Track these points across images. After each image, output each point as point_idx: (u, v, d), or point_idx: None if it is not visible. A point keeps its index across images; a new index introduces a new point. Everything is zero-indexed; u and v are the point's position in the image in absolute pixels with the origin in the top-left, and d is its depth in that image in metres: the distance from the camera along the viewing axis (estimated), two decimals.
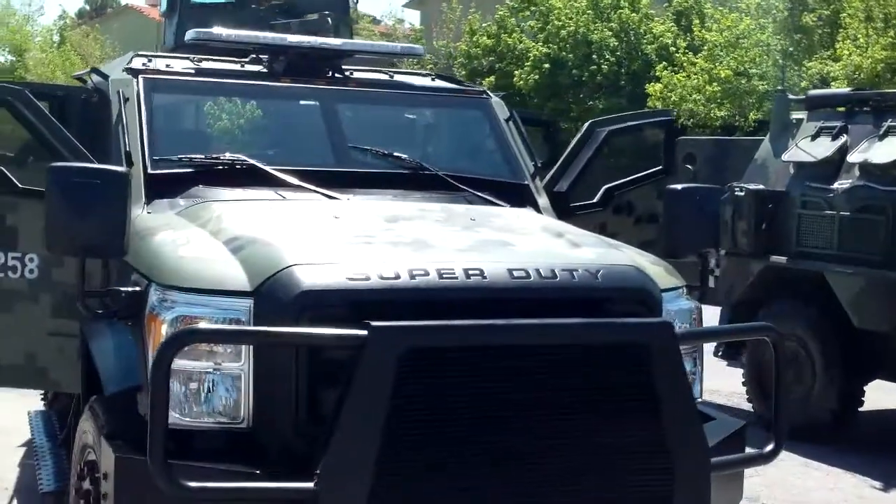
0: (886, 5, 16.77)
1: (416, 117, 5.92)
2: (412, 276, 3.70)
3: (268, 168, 4.84)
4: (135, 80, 5.13)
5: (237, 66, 5.60)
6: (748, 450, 4.26)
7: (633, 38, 22.59)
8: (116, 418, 3.84)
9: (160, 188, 4.73)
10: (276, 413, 3.62)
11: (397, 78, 5.93)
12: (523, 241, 4.27)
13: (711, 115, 19.40)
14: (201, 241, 4.02)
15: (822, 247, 7.62)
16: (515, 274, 3.82)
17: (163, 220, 4.43)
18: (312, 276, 3.64)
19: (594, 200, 5.93)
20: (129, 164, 4.76)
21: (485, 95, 5.83)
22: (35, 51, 37.82)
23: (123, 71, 5.27)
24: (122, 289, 3.95)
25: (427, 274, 3.72)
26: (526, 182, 5.40)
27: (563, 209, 5.62)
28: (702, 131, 18.76)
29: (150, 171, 4.76)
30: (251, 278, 3.68)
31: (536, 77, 22.58)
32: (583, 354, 3.63)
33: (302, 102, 5.58)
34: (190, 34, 5.53)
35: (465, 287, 3.74)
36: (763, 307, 7.99)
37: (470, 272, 3.77)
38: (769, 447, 4.04)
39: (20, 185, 4.92)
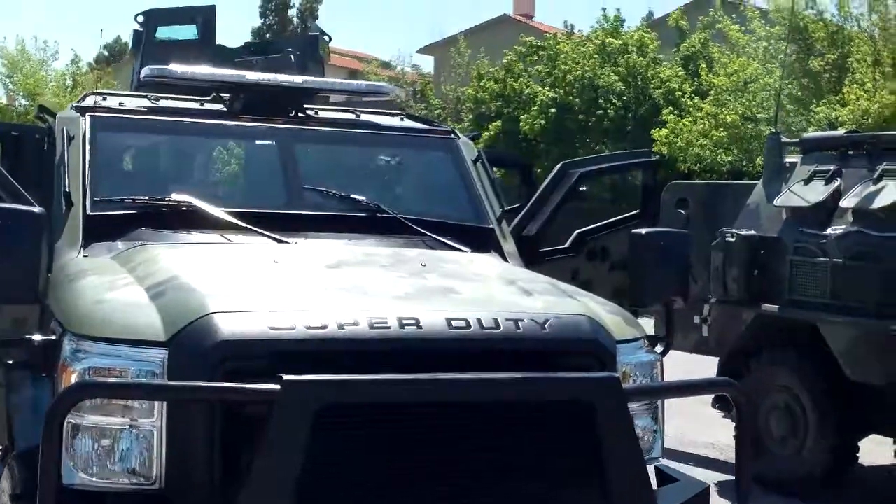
0: (895, 50, 16.55)
1: (378, 158, 5.69)
2: (341, 326, 3.44)
3: (214, 210, 4.61)
4: (81, 117, 4.92)
5: (196, 105, 5.39)
6: None
7: (640, 83, 22.41)
8: (25, 478, 3.57)
9: (100, 230, 4.51)
10: (190, 473, 3.35)
11: (364, 117, 5.70)
12: (471, 289, 4.01)
13: (718, 160, 19.13)
14: (124, 288, 3.77)
15: (815, 295, 7.29)
16: (454, 324, 3.57)
17: (92, 265, 4.20)
18: (232, 324, 3.38)
19: (565, 246, 5.67)
20: (69, 204, 4.55)
21: (451, 136, 5.59)
22: (48, 95, 37.95)
23: (71, 108, 5.07)
24: (36, 337, 3.70)
25: (357, 323, 3.46)
26: (490, 226, 5.16)
27: (532, 254, 5.36)
28: (709, 176, 18.50)
29: (89, 212, 4.54)
30: (166, 327, 3.42)
31: (543, 122, 22.41)
32: (514, 412, 3.37)
33: (258, 142, 5.37)
34: (145, 72, 5.35)
35: (399, 338, 3.48)
36: (754, 357, 7.68)
37: (404, 321, 3.52)
38: None
39: None
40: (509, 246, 5.16)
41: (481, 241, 5.07)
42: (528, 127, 22.45)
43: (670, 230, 4.75)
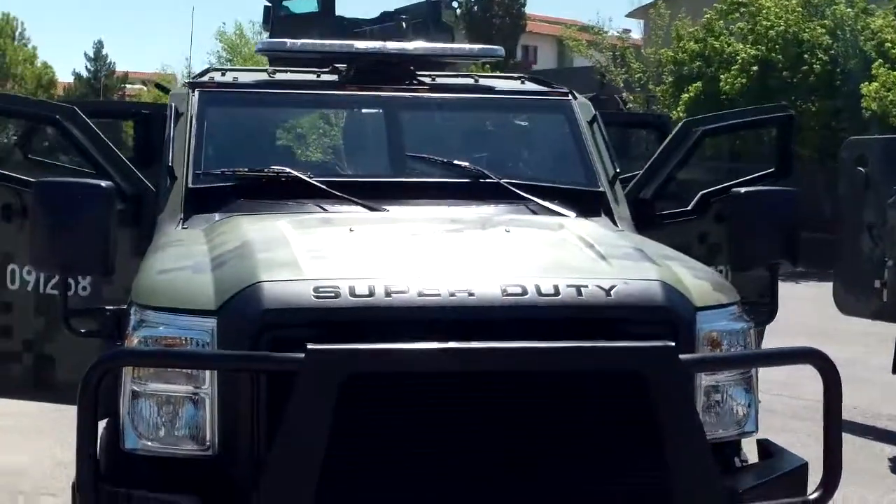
0: None
1: (489, 122, 5.56)
2: (388, 294, 3.36)
3: (311, 180, 4.61)
4: (191, 93, 5.03)
5: (311, 77, 5.41)
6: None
7: (848, 35, 21.13)
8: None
9: (201, 203, 4.58)
10: (240, 441, 3.36)
11: (483, 82, 5.57)
12: (544, 254, 3.85)
13: None
14: (192, 258, 3.81)
15: None
16: (510, 290, 3.41)
17: (179, 236, 4.28)
18: (276, 293, 3.36)
19: (688, 208, 5.36)
20: (173, 178, 4.65)
21: (566, 97, 5.38)
22: None
23: (183, 85, 5.18)
24: (107, 307, 3.80)
25: (406, 291, 3.37)
26: (601, 189, 4.94)
27: (648, 218, 5.11)
28: None
29: (190, 185, 4.62)
30: (217, 296, 3.43)
31: (744, 80, 21.49)
32: (559, 383, 3.19)
33: (365, 111, 5.34)
34: (257, 46, 5.40)
35: (449, 306, 3.36)
36: None
37: (456, 289, 3.39)
38: (815, 494, 3.44)
39: None
40: (622, 210, 4.93)
41: (591, 204, 4.87)
42: (728, 87, 21.59)
43: (773, 188, 4.41)
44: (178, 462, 3.44)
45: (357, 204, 4.53)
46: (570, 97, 5.36)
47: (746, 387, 3.72)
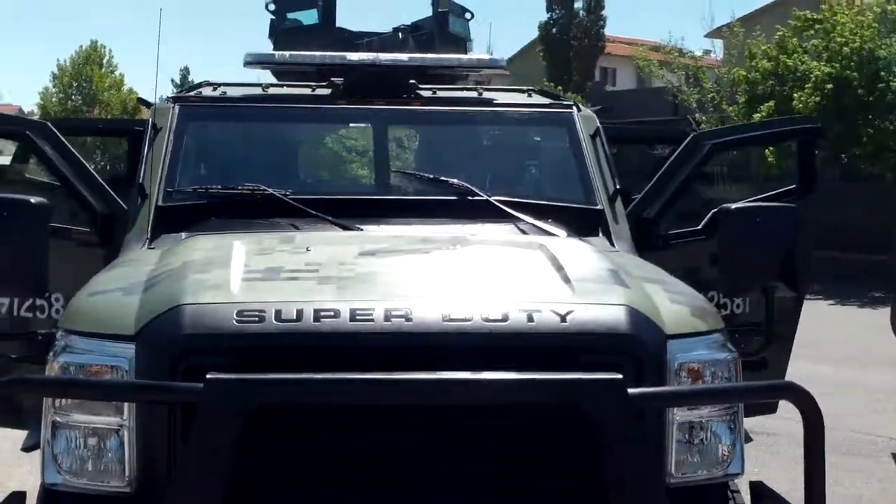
0: None
1: (486, 137, 5.27)
2: (317, 318, 3.09)
3: (285, 198, 4.38)
4: (172, 108, 4.84)
5: (306, 91, 5.19)
6: None
7: None
8: None
9: (171, 222, 4.40)
10: (156, 477, 3.11)
11: (487, 95, 5.29)
12: (504, 277, 3.54)
13: None
14: (130, 279, 3.59)
15: None
16: (453, 316, 3.12)
17: (134, 257, 4.08)
18: (197, 317, 3.11)
19: (698, 227, 4.99)
20: (144, 196, 4.46)
21: (569, 110, 5.06)
22: None
23: (166, 99, 5.00)
24: (39, 331, 3.59)
25: (336, 316, 3.09)
26: (598, 207, 4.61)
27: (651, 238, 4.77)
28: None
29: (159, 203, 4.43)
30: (137, 320, 3.20)
31: (818, 99, 20.78)
32: (489, 418, 2.89)
33: (353, 125, 5.10)
34: (245, 57, 5.20)
35: (381, 332, 3.08)
36: None
37: (393, 314, 3.11)
38: None
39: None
40: (620, 229, 4.60)
41: (588, 223, 4.56)
42: (802, 105, 20.89)
43: (768, 204, 4.04)
44: (99, 499, 3.20)
45: (330, 222, 4.29)
46: (573, 110, 5.05)
47: (731, 424, 3.38)
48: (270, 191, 4.42)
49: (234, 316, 3.09)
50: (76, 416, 3.14)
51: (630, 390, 2.87)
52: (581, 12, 48.09)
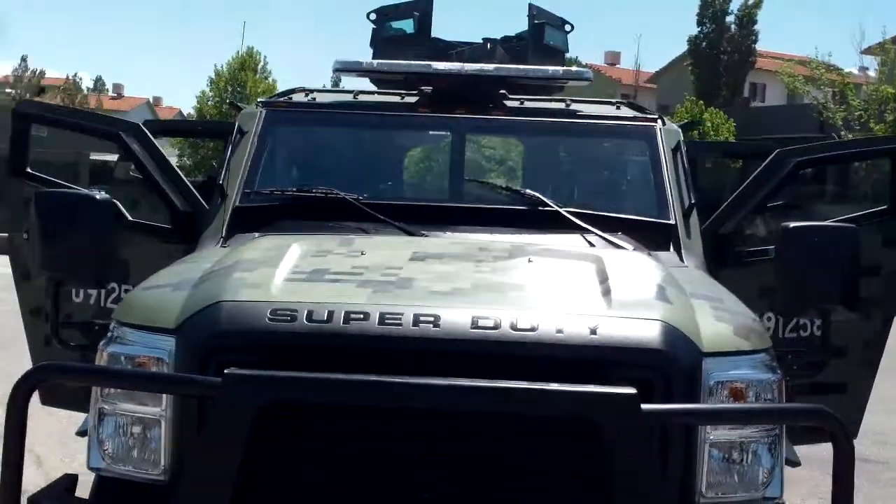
0: None
1: (566, 148, 5.26)
2: (347, 320, 3.15)
3: (355, 201, 4.48)
4: (260, 111, 5.00)
5: (395, 99, 5.29)
6: None
7: None
8: None
9: (246, 222, 4.53)
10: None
11: (574, 106, 5.28)
12: (547, 288, 3.53)
13: None
14: (186, 274, 3.72)
15: None
16: (481, 323, 3.14)
17: (202, 254, 4.22)
18: (231, 314, 3.21)
19: (773, 246, 4.86)
20: (223, 197, 4.62)
21: (652, 123, 5.01)
22: None
23: (256, 104, 5.16)
24: (97, 321, 3.76)
25: (366, 318, 3.15)
26: (671, 221, 4.55)
27: (724, 256, 4.68)
28: None
29: (237, 204, 4.58)
30: (180, 315, 3.31)
31: None
32: (505, 427, 2.89)
33: (432, 133, 5.16)
34: (335, 65, 5.33)
35: (409, 336, 3.12)
36: None
37: (421, 318, 3.15)
38: None
39: (130, 219, 4.94)
40: (693, 244, 4.54)
41: (659, 237, 4.51)
42: None
43: (828, 224, 3.90)
44: (137, 486, 3.34)
45: (395, 227, 4.36)
46: (655, 124, 4.99)
47: (771, 446, 3.29)
48: (342, 195, 4.51)
49: (268, 314, 3.18)
50: (122, 405, 3.27)
51: (644, 406, 2.83)
52: (732, 26, 47.28)
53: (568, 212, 4.47)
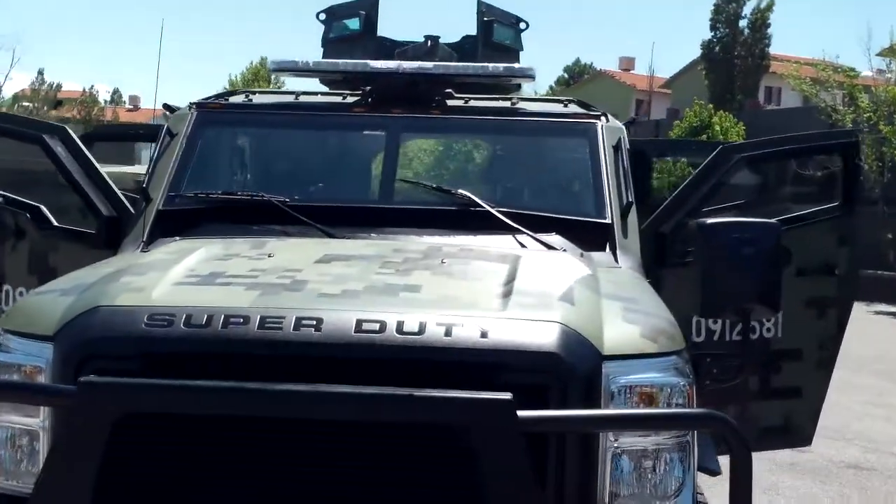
0: None
1: (504, 147, 5.11)
2: (226, 325, 3.00)
3: (280, 204, 4.34)
4: (190, 113, 4.87)
5: (337, 99, 5.16)
6: None
7: None
8: None
9: (169, 226, 4.40)
10: None
11: (521, 105, 5.13)
12: (445, 289, 3.38)
13: None
14: (80, 279, 3.58)
15: None
16: (365, 327, 2.99)
17: (111, 260, 4.08)
18: (106, 319, 3.07)
19: None
20: (148, 200, 4.50)
21: (592, 121, 4.84)
22: None
23: (188, 105, 5.03)
24: None
25: (245, 322, 3.00)
26: (607, 221, 4.39)
27: (664, 255, 4.51)
28: None
29: (160, 207, 4.45)
30: (59, 321, 3.17)
31: None
32: (377, 434, 2.74)
33: (366, 133, 5.01)
34: (270, 65, 5.20)
35: (290, 341, 2.97)
36: None
37: (303, 322, 3.00)
38: None
39: (55, 224, 4.83)
40: (629, 244, 4.37)
41: (595, 236, 4.35)
42: None
43: (745, 220, 3.72)
44: (18, 500, 3.19)
45: (319, 230, 4.22)
46: (596, 121, 4.83)
47: (681, 454, 3.12)
48: (268, 197, 4.38)
49: (145, 319, 3.04)
50: (5, 417, 3.14)
51: (521, 413, 2.66)
52: (745, 30, 46.98)
53: (500, 212, 4.32)
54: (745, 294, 3.53)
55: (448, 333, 2.98)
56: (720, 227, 3.58)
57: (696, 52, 49.20)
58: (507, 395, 2.67)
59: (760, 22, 46.80)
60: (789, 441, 5.04)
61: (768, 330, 4.80)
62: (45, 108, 60.75)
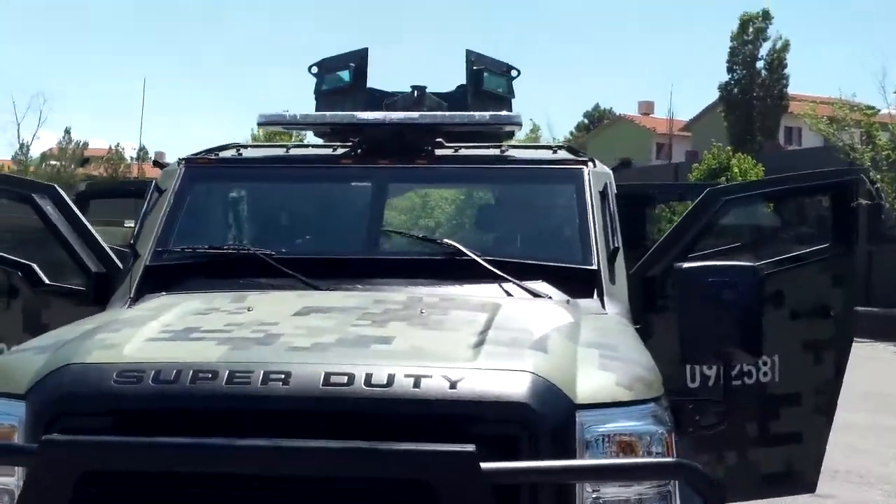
0: None
1: (492, 195, 5.10)
2: (194, 380, 2.99)
3: (266, 258, 4.35)
4: (179, 168, 4.91)
5: (326, 151, 5.19)
6: None
7: None
8: None
9: (157, 282, 4.42)
10: None
11: (511, 152, 5.13)
12: (418, 340, 3.36)
13: None
14: (58, 337, 3.59)
15: None
16: (333, 380, 2.97)
17: (95, 315, 4.09)
18: (76, 376, 3.07)
19: None
20: (136, 257, 4.52)
21: (578, 166, 4.83)
22: None
23: (177, 161, 5.06)
24: None
25: (213, 377, 2.99)
26: (593, 267, 4.36)
27: (653, 299, 4.48)
28: None
29: (147, 263, 4.47)
30: (31, 379, 3.17)
31: None
32: (335, 490, 2.70)
33: (354, 184, 5.02)
34: (258, 118, 5.22)
35: (257, 395, 2.95)
36: None
37: (271, 376, 2.98)
38: None
39: (46, 282, 4.85)
40: (617, 290, 4.34)
41: (581, 283, 4.32)
42: None
43: (724, 263, 3.67)
44: None
45: (304, 283, 4.22)
46: (582, 166, 4.82)
47: (662, 503, 3.07)
48: (253, 250, 4.39)
49: (114, 376, 3.04)
50: None
51: (484, 465, 2.63)
52: (763, 71, 47.00)
53: (486, 260, 4.30)
54: (724, 339, 3.48)
55: (417, 385, 2.96)
56: (697, 271, 3.54)
57: (715, 95, 49.28)
58: (469, 447, 2.64)
59: (777, 62, 46.82)
60: (792, 488, 4.96)
61: (765, 374, 4.74)
62: (73, 166, 61.48)
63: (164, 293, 4.29)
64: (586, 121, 69.70)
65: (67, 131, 63.96)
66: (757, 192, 4.74)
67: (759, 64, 46.98)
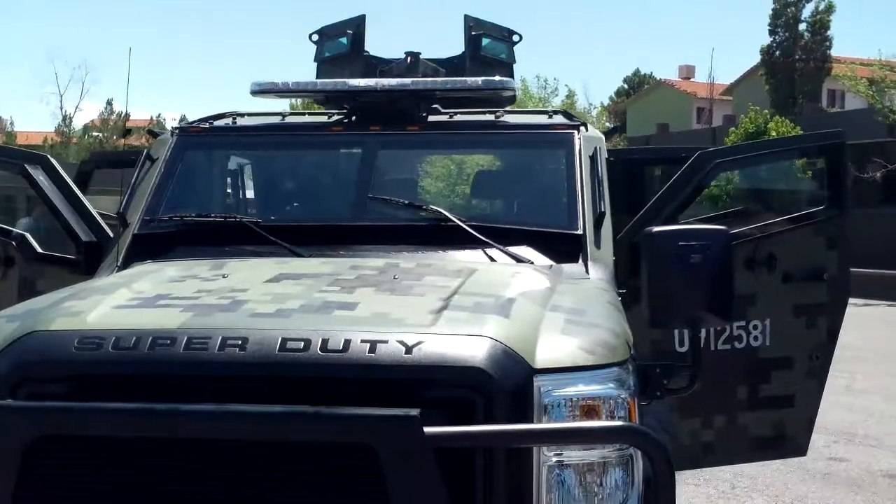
0: None
1: (482, 160, 5.07)
2: (152, 346, 3.01)
3: (252, 224, 4.37)
4: (171, 137, 4.93)
5: (323, 118, 5.19)
6: None
7: None
8: None
9: (145, 250, 4.44)
10: None
11: (506, 118, 5.09)
12: (383, 305, 3.35)
13: None
14: (32, 304, 3.62)
15: None
16: (290, 345, 2.97)
17: (78, 283, 4.12)
18: (39, 343, 3.10)
19: None
20: (125, 225, 4.55)
21: (569, 130, 4.79)
22: None
23: (171, 130, 5.08)
24: None
25: (171, 343, 3.01)
26: (578, 232, 4.33)
27: (640, 265, 4.43)
28: None
29: (136, 231, 4.50)
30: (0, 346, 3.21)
31: None
32: (279, 454, 2.71)
33: (344, 151, 5.02)
34: (252, 87, 5.22)
35: (213, 361, 2.96)
36: None
37: (228, 342, 3.00)
38: None
39: (39, 251, 4.90)
40: (602, 254, 4.31)
41: (566, 248, 4.29)
42: None
43: (694, 227, 3.62)
44: None
45: (288, 250, 4.23)
46: (573, 131, 4.77)
47: (624, 467, 3.05)
48: (239, 218, 4.41)
49: (75, 343, 3.06)
50: None
51: (427, 429, 2.62)
52: (805, 34, 46.31)
53: (470, 226, 4.28)
54: (693, 303, 3.44)
55: (372, 350, 2.95)
56: (666, 235, 3.49)
57: (756, 58, 48.66)
58: (414, 411, 2.63)
59: (820, 25, 46.11)
60: (782, 451, 4.92)
61: (755, 338, 4.70)
62: (115, 137, 61.96)
63: (150, 261, 4.32)
64: (626, 86, 69.14)
65: (109, 102, 64.57)
66: (748, 154, 4.66)
67: (802, 26, 46.27)
